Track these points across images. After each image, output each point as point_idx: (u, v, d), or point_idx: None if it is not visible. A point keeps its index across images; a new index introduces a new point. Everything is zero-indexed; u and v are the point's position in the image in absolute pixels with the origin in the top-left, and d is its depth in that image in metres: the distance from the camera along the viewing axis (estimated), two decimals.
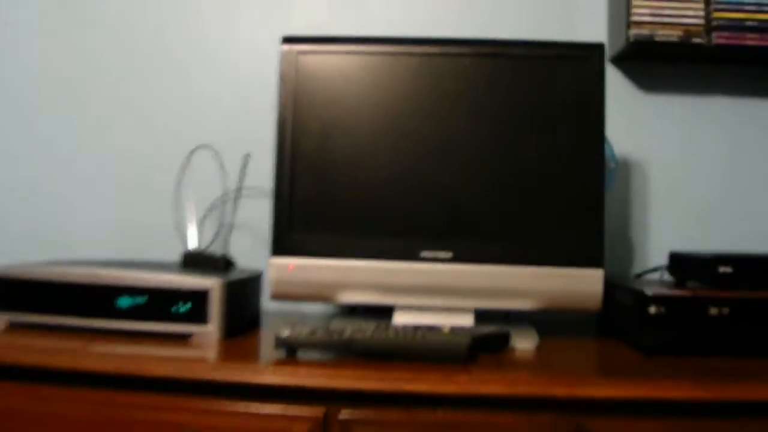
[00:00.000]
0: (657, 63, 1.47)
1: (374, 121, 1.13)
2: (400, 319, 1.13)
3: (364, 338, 0.93)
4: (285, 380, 0.88)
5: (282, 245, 1.12)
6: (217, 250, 1.44)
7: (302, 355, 0.95)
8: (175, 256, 1.46)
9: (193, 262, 1.21)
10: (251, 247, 1.46)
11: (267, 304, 1.43)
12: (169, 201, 1.47)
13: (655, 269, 1.37)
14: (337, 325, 1.11)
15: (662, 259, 1.45)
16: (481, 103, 1.13)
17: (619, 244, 1.45)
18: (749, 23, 1.33)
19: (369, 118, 1.13)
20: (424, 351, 0.93)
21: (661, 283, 1.21)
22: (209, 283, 1.03)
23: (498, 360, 0.98)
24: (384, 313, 1.25)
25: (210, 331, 1.03)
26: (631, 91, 1.47)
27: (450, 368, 0.90)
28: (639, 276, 1.39)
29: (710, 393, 0.87)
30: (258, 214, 1.46)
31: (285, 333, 0.94)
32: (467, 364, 0.93)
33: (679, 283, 1.19)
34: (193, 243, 1.38)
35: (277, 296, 1.12)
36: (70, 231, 1.49)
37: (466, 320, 1.12)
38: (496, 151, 1.12)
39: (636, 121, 1.47)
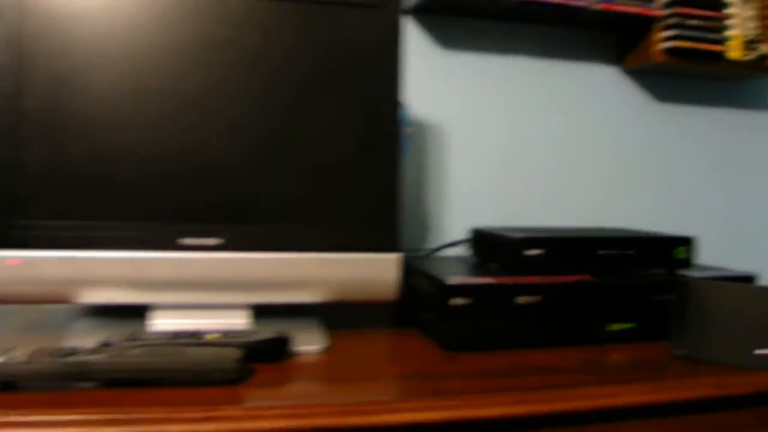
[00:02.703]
0: (459, 18, 1.34)
1: (122, 75, 0.89)
2: (158, 321, 0.92)
3: (101, 362, 0.72)
4: None
5: (2, 234, 0.87)
6: None
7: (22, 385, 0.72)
8: None
9: None
10: None
11: None
12: None
13: (453, 244, 1.25)
14: (79, 334, 0.89)
15: (461, 232, 1.33)
16: (255, 55, 0.92)
17: (413, 214, 1.32)
18: None
19: (115, 71, 0.89)
20: (181, 373, 0.74)
21: (462, 263, 1.08)
22: None
23: (277, 374, 0.80)
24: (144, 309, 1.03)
25: None
26: (430, 48, 1.32)
27: (216, 394, 0.72)
28: (435, 252, 1.27)
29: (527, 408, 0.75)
30: None
31: None
32: (237, 384, 0.75)
33: (481, 263, 1.08)
34: None
35: None
36: None
37: (241, 319, 0.93)
38: (273, 114, 0.93)
39: (435, 81, 1.33)
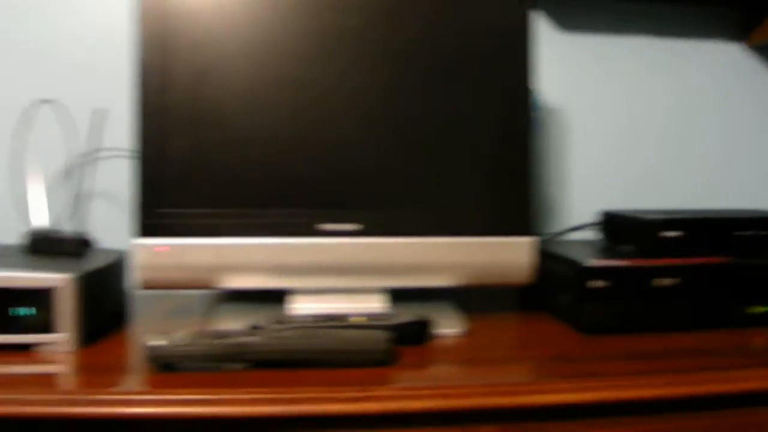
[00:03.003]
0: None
1: (256, 67, 0.92)
2: (298, 305, 0.94)
3: (258, 344, 0.74)
4: (161, 411, 0.68)
5: (149, 223, 0.90)
6: (69, 227, 1.19)
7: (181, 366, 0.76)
8: (14, 238, 1.17)
9: (40, 245, 0.98)
10: (116, 220, 1.22)
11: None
12: (4, 168, 1.21)
13: (581, 227, 1.23)
14: (224, 318, 0.93)
15: (583, 215, 1.31)
16: (386, 42, 0.93)
17: (538, 198, 1.31)
18: None
19: (250, 63, 0.92)
20: (334, 354, 0.75)
21: (592, 246, 1.07)
22: (56, 278, 0.80)
23: (422, 356, 0.81)
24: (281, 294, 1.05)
25: (60, 340, 0.81)
26: (550, 31, 1.31)
27: (366, 375, 0.73)
28: (560, 235, 1.25)
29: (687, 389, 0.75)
30: (122, 179, 1.22)
31: (159, 344, 0.74)
32: (387, 366, 0.76)
33: (612, 246, 1.06)
34: (39, 220, 1.12)
35: (147, 286, 0.91)
36: None
37: (378, 302, 0.95)
38: (406, 101, 0.93)
39: (555, 64, 1.31)
